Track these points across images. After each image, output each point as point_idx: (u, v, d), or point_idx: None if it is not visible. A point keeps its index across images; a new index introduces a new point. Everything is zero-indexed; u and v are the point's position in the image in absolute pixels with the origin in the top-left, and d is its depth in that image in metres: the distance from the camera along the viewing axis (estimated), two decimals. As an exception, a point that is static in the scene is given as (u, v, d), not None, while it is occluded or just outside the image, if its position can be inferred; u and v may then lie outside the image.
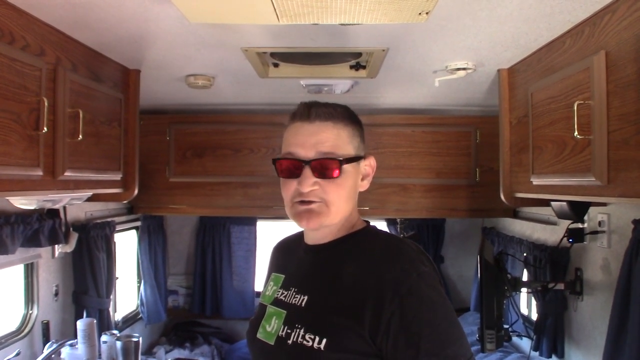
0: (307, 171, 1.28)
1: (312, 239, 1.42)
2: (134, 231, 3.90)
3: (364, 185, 1.40)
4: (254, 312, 1.50)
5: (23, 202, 2.11)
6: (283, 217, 3.91)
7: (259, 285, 4.40)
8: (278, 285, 1.44)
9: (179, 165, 3.55)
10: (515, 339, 3.36)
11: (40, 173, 1.83)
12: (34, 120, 1.77)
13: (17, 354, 2.32)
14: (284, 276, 1.46)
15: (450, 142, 3.48)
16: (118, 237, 3.50)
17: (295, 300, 1.34)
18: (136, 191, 2.67)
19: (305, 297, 1.32)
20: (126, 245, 3.92)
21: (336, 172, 1.29)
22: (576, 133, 1.71)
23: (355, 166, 1.35)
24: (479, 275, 2.57)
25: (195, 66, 2.53)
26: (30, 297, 2.72)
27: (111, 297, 3.24)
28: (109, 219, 3.27)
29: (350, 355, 1.21)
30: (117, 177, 2.51)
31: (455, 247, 4.46)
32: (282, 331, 1.30)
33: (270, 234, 4.79)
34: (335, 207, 1.31)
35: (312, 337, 1.24)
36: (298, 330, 1.27)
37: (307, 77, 2.64)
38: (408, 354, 1.17)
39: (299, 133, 1.32)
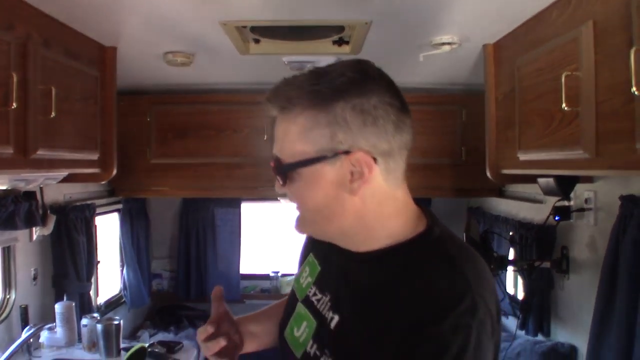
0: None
1: (349, 247, 1.09)
2: (115, 214, 3.83)
3: (361, 189, 1.00)
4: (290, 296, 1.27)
5: (-6, 182, 2.04)
6: (268, 197, 3.89)
7: (244, 268, 4.36)
8: (313, 278, 1.18)
9: (161, 147, 3.47)
10: (502, 318, 3.36)
11: (11, 151, 1.77)
12: (2, 96, 1.70)
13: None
14: (320, 269, 1.18)
15: (435, 121, 3.43)
16: (99, 220, 3.43)
17: (327, 315, 1.08)
18: (114, 172, 2.60)
19: (336, 318, 1.06)
20: (108, 228, 3.85)
21: (280, 181, 1.05)
22: (564, 105, 1.67)
23: (322, 168, 0.99)
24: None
25: (173, 42, 2.47)
26: (7, 281, 2.65)
27: (92, 280, 3.18)
28: (89, 202, 3.19)
29: None
30: (94, 156, 2.44)
31: (441, 227, 4.43)
32: (310, 347, 1.08)
33: (254, 216, 4.77)
34: (309, 217, 1.07)
35: None
36: (324, 354, 1.04)
37: (289, 53, 2.58)
38: None
39: None
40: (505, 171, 2.40)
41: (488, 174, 2.51)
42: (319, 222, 1.06)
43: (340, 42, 2.45)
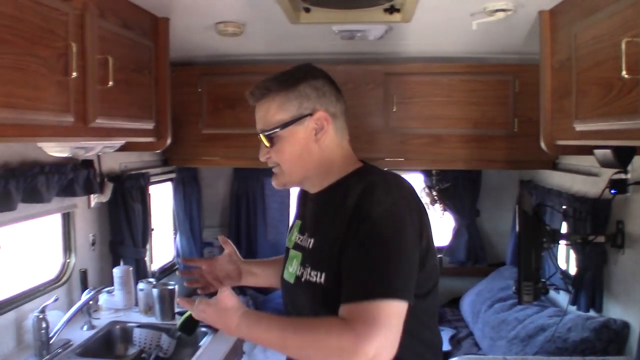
0: (261, 144, 1.52)
1: (310, 189, 1.58)
2: (169, 183, 3.92)
3: (321, 140, 1.48)
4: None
5: (56, 150, 2.11)
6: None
7: (293, 237, 4.40)
8: (298, 231, 1.60)
9: (212, 117, 3.53)
10: (552, 292, 3.31)
11: (72, 119, 1.83)
12: (62, 66, 1.76)
13: (55, 300, 2.36)
14: (301, 222, 1.61)
15: (487, 91, 3.36)
16: (153, 189, 3.52)
17: (307, 243, 1.51)
18: (169, 141, 2.66)
19: (312, 240, 1.50)
20: (161, 197, 3.95)
21: (268, 144, 1.49)
22: (624, 73, 1.62)
23: (296, 128, 1.46)
24: (517, 226, 2.51)
25: (224, 12, 2.49)
26: (68, 246, 2.76)
27: (147, 247, 3.28)
28: (143, 171, 3.28)
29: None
30: (150, 125, 2.50)
31: (491, 200, 4.37)
32: (299, 271, 1.50)
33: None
34: (287, 168, 1.51)
35: (315, 273, 1.43)
36: (307, 269, 1.46)
37: (340, 22, 2.56)
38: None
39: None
40: (561, 142, 2.35)
41: (542, 145, 2.46)
42: (293, 171, 1.51)
43: (391, 10, 2.42)
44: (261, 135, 1.49)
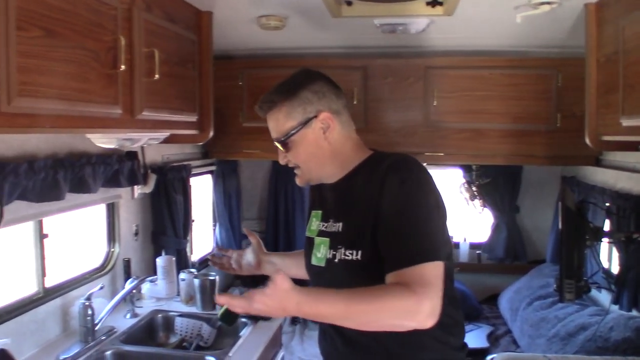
0: (279, 150, 1.67)
1: (328, 181, 1.69)
2: (208, 176, 3.98)
3: (330, 136, 1.61)
4: (305, 242, 1.79)
5: (103, 141, 2.16)
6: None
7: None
8: (319, 220, 1.72)
9: (252, 110, 3.48)
10: (594, 291, 3.25)
11: (120, 111, 1.88)
12: (111, 59, 1.81)
13: (101, 288, 2.43)
14: (321, 211, 1.73)
15: (529, 86, 3.31)
16: (193, 181, 3.57)
17: (334, 228, 1.64)
18: (211, 133, 2.70)
19: (340, 224, 1.63)
20: (201, 189, 4.01)
21: (284, 149, 1.64)
22: (674, 67, 1.59)
23: (305, 131, 1.60)
24: (559, 222, 2.47)
25: (267, 6, 2.51)
26: (112, 235, 2.83)
27: (188, 238, 3.33)
28: (185, 163, 3.33)
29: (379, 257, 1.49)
30: (193, 118, 2.55)
31: (531, 196, 4.31)
32: (329, 254, 1.62)
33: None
34: (305, 167, 1.65)
35: (351, 251, 1.56)
36: (340, 250, 1.58)
37: (382, 15, 2.56)
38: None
39: None
40: (606, 138, 2.31)
41: (587, 141, 2.42)
42: (312, 169, 1.65)
43: (434, 3, 2.41)
44: (276, 143, 1.65)
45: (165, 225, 3.11)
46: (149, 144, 2.42)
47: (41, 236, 2.32)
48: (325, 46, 3.32)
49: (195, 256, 3.73)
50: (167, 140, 2.57)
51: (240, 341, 2.43)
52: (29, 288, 2.30)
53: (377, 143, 1.82)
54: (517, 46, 3.22)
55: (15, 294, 2.22)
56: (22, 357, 2.15)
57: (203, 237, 4.05)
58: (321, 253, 1.65)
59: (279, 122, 1.62)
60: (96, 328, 2.37)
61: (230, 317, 1.65)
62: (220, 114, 3.12)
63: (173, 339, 2.69)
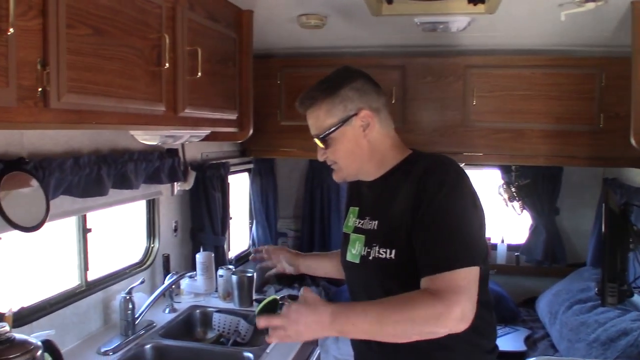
0: (318, 147, 1.67)
1: (366, 178, 1.70)
2: (246, 174, 4.01)
3: (369, 134, 1.61)
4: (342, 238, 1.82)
5: (146, 138, 2.20)
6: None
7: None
8: (356, 216, 1.74)
9: (290, 109, 3.55)
10: (637, 296, 3.18)
11: (163, 108, 1.91)
12: (155, 57, 1.84)
13: (142, 282, 2.47)
14: (358, 208, 1.75)
15: (572, 85, 3.25)
16: (231, 179, 3.60)
17: (370, 226, 1.65)
18: (251, 131, 2.73)
19: (376, 222, 1.64)
20: (239, 187, 4.04)
21: (323, 146, 1.64)
22: None
23: (344, 128, 1.60)
24: (602, 225, 2.42)
25: (308, 5, 2.52)
26: (152, 231, 2.88)
27: (226, 235, 3.37)
28: (223, 160, 3.37)
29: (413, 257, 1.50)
30: (233, 116, 2.57)
31: (572, 198, 4.22)
32: (364, 251, 1.64)
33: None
34: (343, 164, 1.65)
35: (385, 250, 1.57)
36: (375, 247, 1.60)
37: (423, 14, 2.55)
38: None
39: None
40: (652, 138, 2.25)
41: (632, 142, 2.36)
42: (350, 166, 1.65)
43: (475, 1, 2.38)
44: (316, 140, 1.66)
45: (204, 222, 3.14)
46: (190, 141, 2.45)
47: (84, 231, 2.37)
48: (364, 45, 3.31)
49: (232, 253, 3.77)
50: (207, 138, 2.60)
51: (277, 338, 2.44)
52: (72, 281, 2.36)
53: (414, 142, 1.82)
54: (560, 45, 3.17)
55: (58, 287, 2.28)
56: (65, 348, 2.19)
57: (240, 235, 4.08)
58: (356, 249, 1.67)
59: (319, 119, 1.63)
60: (136, 322, 2.40)
61: (267, 314, 1.65)
62: (258, 113, 3.14)
63: (210, 335, 2.71)
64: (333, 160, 1.66)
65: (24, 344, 1.48)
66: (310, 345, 2.76)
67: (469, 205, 1.51)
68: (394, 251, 1.54)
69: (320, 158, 1.69)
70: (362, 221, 1.69)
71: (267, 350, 2.29)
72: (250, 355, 2.25)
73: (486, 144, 3.36)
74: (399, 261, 1.54)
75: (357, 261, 1.66)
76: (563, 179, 4.17)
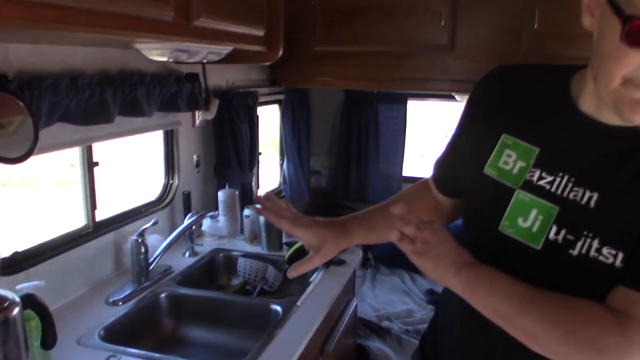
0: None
1: (605, 116, 0.98)
2: (276, 106, 3.66)
3: None
4: (476, 186, 1.14)
5: (156, 52, 1.83)
6: (438, 93, 3.54)
7: (407, 170, 4.07)
8: (529, 160, 1.06)
9: (326, 33, 3.17)
10: None
11: (172, 13, 1.55)
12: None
13: (154, 223, 2.16)
14: (538, 150, 1.05)
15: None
16: (260, 111, 3.27)
17: (576, 195, 0.99)
18: (280, 52, 2.36)
19: (595, 195, 0.97)
20: (268, 120, 3.71)
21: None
22: None
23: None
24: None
25: None
26: (171, 166, 2.57)
27: (254, 171, 3.06)
28: (251, 89, 3.01)
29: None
30: (260, 32, 2.20)
31: None
32: (557, 234, 0.99)
33: (419, 117, 4.43)
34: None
35: (609, 251, 0.94)
36: (588, 239, 0.96)
37: None
38: None
39: None
40: None
41: None
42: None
43: None
44: None
45: (229, 156, 2.82)
46: (209, 60, 2.10)
47: (90, 164, 2.07)
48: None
49: (261, 192, 3.47)
50: (230, 60, 2.24)
51: (310, 288, 2.14)
52: (77, 222, 2.08)
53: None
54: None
55: (62, 229, 2.00)
56: (69, 297, 1.95)
57: (268, 173, 3.78)
58: (531, 221, 1.03)
59: None
60: (151, 267, 2.13)
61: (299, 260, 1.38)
62: (290, 37, 2.76)
63: (235, 282, 2.45)
64: None
65: (-4, 300, 1.19)
66: (346, 296, 2.48)
67: None
68: (620, 255, 0.94)
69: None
70: (550, 178, 1.03)
71: (298, 303, 1.99)
72: (279, 308, 1.96)
73: None
74: (620, 272, 0.94)
75: (537, 246, 1.01)
76: None
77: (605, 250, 0.94)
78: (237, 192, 2.69)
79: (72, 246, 1.96)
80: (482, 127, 1.15)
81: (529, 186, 1.04)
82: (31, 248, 1.82)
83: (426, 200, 1.40)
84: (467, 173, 1.17)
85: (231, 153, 2.81)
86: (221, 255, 2.52)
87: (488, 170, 1.10)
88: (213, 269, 2.48)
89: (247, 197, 2.92)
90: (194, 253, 2.45)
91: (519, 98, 1.12)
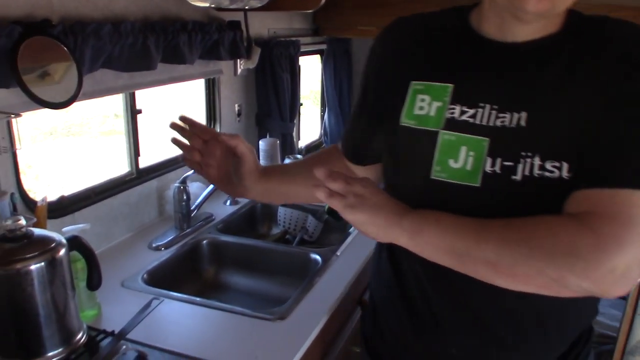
0: None
1: (509, 33, 0.97)
2: (317, 57, 3.61)
3: None
4: (397, 141, 1.07)
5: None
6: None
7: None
8: (444, 99, 1.01)
9: (370, -20, 3.09)
10: None
11: (212, -43, 1.53)
12: None
13: (195, 172, 2.18)
14: (452, 85, 1.01)
15: None
16: (302, 62, 3.23)
17: (503, 122, 0.95)
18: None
19: (524, 114, 0.93)
20: (309, 73, 3.66)
21: None
22: None
23: None
24: None
25: None
26: (212, 114, 2.57)
27: (295, 121, 3.04)
28: (293, 39, 2.97)
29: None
30: (302, -23, 2.16)
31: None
32: (493, 165, 0.94)
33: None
34: None
35: (553, 164, 0.90)
36: (528, 159, 0.92)
37: None
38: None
39: None
40: None
41: None
42: None
43: None
44: None
45: (271, 106, 2.81)
46: (252, 6, 2.07)
47: (133, 111, 2.09)
48: None
49: (302, 143, 3.47)
50: (272, 7, 2.21)
51: (349, 239, 2.14)
52: (121, 169, 2.11)
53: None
54: None
55: (107, 175, 2.04)
56: (113, 241, 2.00)
57: (310, 124, 3.76)
58: (462, 160, 0.97)
59: None
60: (192, 214, 2.16)
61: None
62: (333, -16, 2.71)
63: (275, 231, 2.47)
64: None
65: (43, 240, 1.22)
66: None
67: None
68: (565, 165, 0.90)
69: None
70: (472, 111, 0.98)
71: (338, 253, 2.00)
72: (318, 257, 1.97)
73: None
74: (573, 183, 0.89)
75: (476, 183, 0.96)
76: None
77: (548, 165, 0.90)
78: (278, 141, 2.69)
79: (116, 192, 2.00)
80: (389, 80, 1.11)
81: (452, 124, 0.99)
82: (77, 192, 1.87)
83: (343, 163, 1.31)
84: (383, 132, 1.12)
85: (272, 102, 2.80)
86: (261, 204, 2.53)
87: (405, 120, 1.05)
88: (253, 218, 2.50)
89: (287, 147, 2.92)
90: (234, 202, 2.47)
91: (421, 44, 1.09)
